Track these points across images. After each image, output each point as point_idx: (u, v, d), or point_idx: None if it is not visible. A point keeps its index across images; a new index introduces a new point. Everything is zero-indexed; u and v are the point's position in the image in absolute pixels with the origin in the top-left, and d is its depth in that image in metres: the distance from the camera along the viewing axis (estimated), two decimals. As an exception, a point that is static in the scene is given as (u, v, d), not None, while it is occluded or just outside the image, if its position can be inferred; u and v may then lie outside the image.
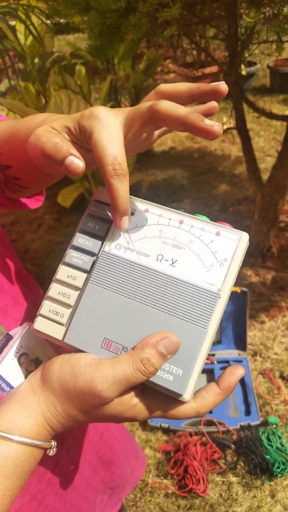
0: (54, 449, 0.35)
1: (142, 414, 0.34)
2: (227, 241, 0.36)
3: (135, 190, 2.53)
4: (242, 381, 1.49)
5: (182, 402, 0.34)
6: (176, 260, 0.36)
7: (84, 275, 0.37)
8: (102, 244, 0.38)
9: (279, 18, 1.06)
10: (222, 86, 0.34)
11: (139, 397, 0.34)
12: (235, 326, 1.58)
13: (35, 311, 0.39)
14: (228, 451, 1.33)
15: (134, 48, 2.47)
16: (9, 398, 0.35)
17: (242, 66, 3.21)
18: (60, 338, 0.37)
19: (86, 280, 0.37)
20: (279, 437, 1.31)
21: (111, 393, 0.32)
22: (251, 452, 1.29)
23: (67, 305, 0.37)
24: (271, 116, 1.63)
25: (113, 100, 2.78)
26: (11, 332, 0.42)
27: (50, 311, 0.37)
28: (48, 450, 0.35)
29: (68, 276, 0.38)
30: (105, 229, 0.38)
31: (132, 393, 0.34)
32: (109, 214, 0.38)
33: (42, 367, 0.36)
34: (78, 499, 0.58)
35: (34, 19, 2.06)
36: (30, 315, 0.49)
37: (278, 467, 1.24)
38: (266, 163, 2.63)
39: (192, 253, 0.36)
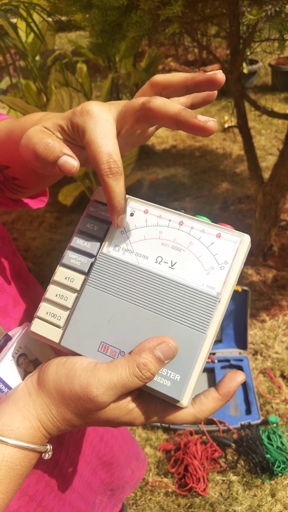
0: (50, 452, 0.35)
1: (139, 419, 0.34)
2: (228, 243, 0.35)
3: (136, 189, 2.52)
4: (242, 380, 1.49)
5: (180, 408, 0.34)
6: (176, 263, 0.35)
7: (82, 277, 0.37)
8: (100, 245, 0.37)
9: (281, 16, 1.05)
10: (219, 75, 0.33)
11: (136, 402, 0.34)
12: (236, 325, 1.58)
13: (35, 311, 0.39)
14: (228, 450, 1.33)
15: (136, 46, 2.46)
16: (5, 400, 0.35)
17: (244, 64, 3.19)
18: (57, 341, 0.36)
19: (84, 282, 0.37)
20: (280, 436, 1.31)
21: (107, 398, 0.32)
22: (251, 451, 1.29)
23: (64, 307, 0.37)
24: (273, 114, 1.62)
25: (114, 98, 2.77)
26: (10, 333, 0.42)
27: (47, 313, 0.37)
28: (43, 454, 0.35)
29: (65, 278, 0.37)
30: (103, 230, 0.37)
31: (129, 398, 0.34)
32: (108, 214, 0.38)
33: (39, 370, 0.36)
34: (77, 500, 0.58)
35: (36, 16, 2.05)
36: (30, 315, 0.48)
37: (279, 466, 1.24)
38: (268, 161, 2.62)
39: (192, 255, 0.35)
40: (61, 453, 0.53)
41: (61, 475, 0.53)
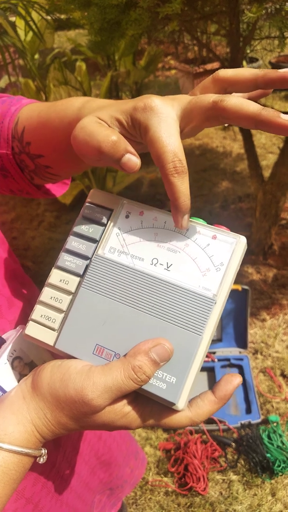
0: (45, 457, 0.35)
1: (135, 423, 0.34)
2: (224, 245, 0.35)
3: (135, 188, 2.52)
4: (243, 379, 1.49)
5: (176, 411, 0.33)
6: (171, 264, 0.35)
7: (77, 279, 0.37)
8: (95, 247, 0.37)
9: (281, 14, 1.05)
10: None
11: (131, 405, 0.34)
12: (236, 324, 1.57)
13: (30, 312, 0.38)
14: (228, 449, 1.33)
15: (135, 44, 2.45)
16: (0, 404, 0.35)
17: (244, 62, 3.18)
18: (51, 343, 0.36)
19: (79, 284, 0.36)
20: (280, 436, 1.31)
21: (102, 401, 0.31)
22: (251, 451, 1.29)
23: (59, 310, 0.36)
24: (273, 112, 1.61)
25: (113, 96, 2.77)
26: (4, 336, 0.42)
27: (42, 316, 0.37)
28: (38, 458, 0.35)
29: (60, 280, 0.37)
30: (99, 232, 0.37)
31: (125, 401, 0.33)
32: (103, 216, 0.38)
33: (33, 373, 0.35)
34: (75, 500, 0.58)
35: (34, 15, 2.05)
36: (25, 316, 0.48)
37: (279, 466, 1.24)
38: (268, 160, 2.61)
39: (187, 257, 0.35)
40: (58, 454, 0.52)
41: (58, 476, 0.53)
